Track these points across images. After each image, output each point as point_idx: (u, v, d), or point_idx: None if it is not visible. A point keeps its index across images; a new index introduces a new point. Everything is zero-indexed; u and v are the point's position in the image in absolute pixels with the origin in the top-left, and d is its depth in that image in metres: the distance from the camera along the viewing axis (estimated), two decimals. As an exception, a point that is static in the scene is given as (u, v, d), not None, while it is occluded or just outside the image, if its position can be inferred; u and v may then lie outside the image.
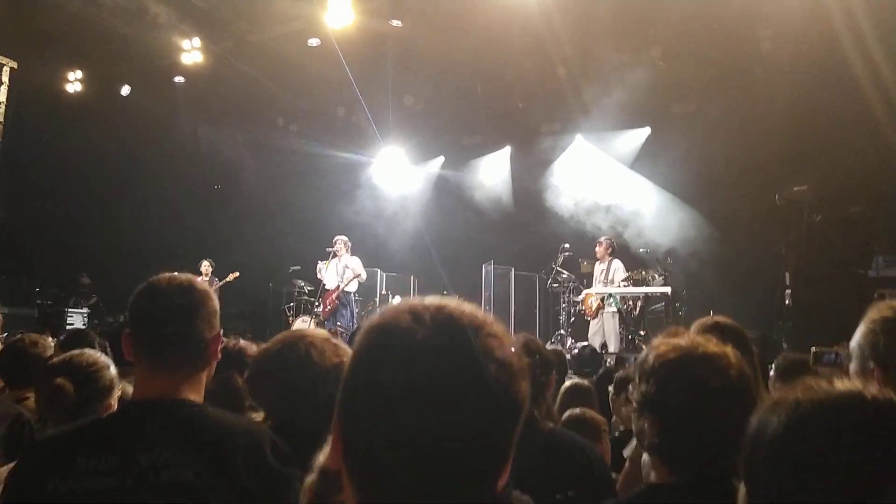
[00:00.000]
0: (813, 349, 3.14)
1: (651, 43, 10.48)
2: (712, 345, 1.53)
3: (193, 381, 1.67)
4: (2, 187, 12.29)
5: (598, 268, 9.80)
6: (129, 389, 2.29)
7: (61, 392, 2.08)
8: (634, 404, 1.59)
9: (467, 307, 0.88)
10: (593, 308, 9.69)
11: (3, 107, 12.22)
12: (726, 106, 10.30)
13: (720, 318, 2.60)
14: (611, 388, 3.37)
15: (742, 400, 1.47)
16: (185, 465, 1.50)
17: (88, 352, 2.25)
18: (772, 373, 3.73)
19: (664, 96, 11.16)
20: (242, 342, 2.85)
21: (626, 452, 2.62)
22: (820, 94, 9.07)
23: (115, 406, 2.21)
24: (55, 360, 2.25)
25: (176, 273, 1.74)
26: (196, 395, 1.67)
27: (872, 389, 0.97)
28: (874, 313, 1.81)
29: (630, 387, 3.22)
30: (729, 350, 1.52)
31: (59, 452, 1.54)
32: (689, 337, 1.56)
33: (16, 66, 12.16)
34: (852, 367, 1.86)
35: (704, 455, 1.47)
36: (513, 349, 0.86)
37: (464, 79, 12.11)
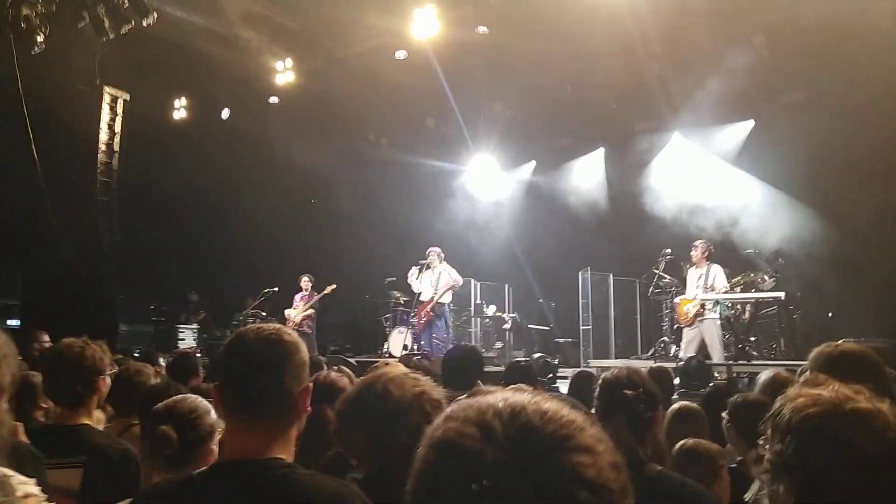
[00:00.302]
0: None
1: (752, 28, 9.84)
2: (864, 399, 1.29)
3: (283, 437, 1.61)
4: (119, 211, 13.11)
5: (695, 273, 9.21)
6: (226, 426, 2.31)
7: (165, 441, 2.11)
8: (766, 463, 1.38)
9: (549, 408, 0.71)
10: (690, 315, 9.11)
11: (118, 136, 13.08)
12: (839, 93, 9.55)
13: (848, 346, 2.28)
14: (725, 415, 3.06)
15: None
16: None
17: (190, 397, 2.30)
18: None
19: (768, 86, 10.48)
20: (333, 374, 2.81)
21: (748, 496, 2.36)
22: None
23: (217, 450, 2.21)
24: (159, 406, 2.28)
25: (264, 325, 1.68)
26: (286, 453, 1.61)
27: None
28: None
29: (735, 411, 2.95)
30: (886, 407, 1.28)
31: None
32: (835, 388, 1.32)
33: (128, 98, 12.98)
34: None
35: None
36: (611, 461, 0.69)
37: (552, 81, 11.84)
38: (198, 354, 11.66)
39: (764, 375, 3.52)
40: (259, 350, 1.60)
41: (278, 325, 1.71)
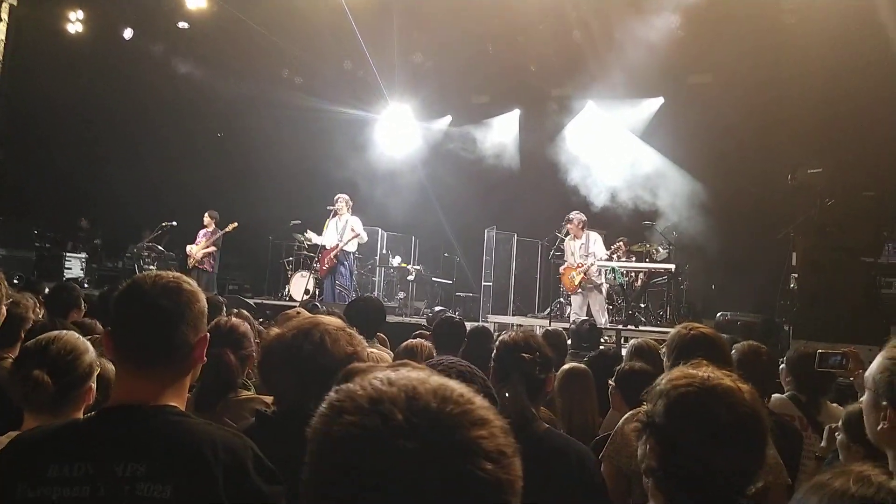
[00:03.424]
0: (819, 350, 3.08)
1: (670, 10, 10.15)
2: (729, 380, 1.45)
3: (176, 386, 1.58)
4: (1, 128, 12.09)
5: (575, 243, 9.49)
6: (108, 366, 2.22)
7: (39, 387, 1.99)
8: (637, 421, 1.52)
9: (438, 386, 0.74)
10: (576, 283, 9.42)
11: (2, 45, 11.94)
12: (744, 79, 10.07)
13: (702, 330, 2.54)
14: (611, 382, 3.25)
15: (749, 436, 1.41)
16: (163, 479, 1.42)
17: (65, 336, 2.14)
18: (782, 365, 3.65)
19: (680, 65, 10.89)
20: (234, 320, 2.78)
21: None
22: (843, 74, 8.84)
23: (94, 389, 2.12)
24: (30, 345, 2.13)
25: (162, 272, 1.63)
26: (179, 401, 1.58)
27: None
28: (894, 349, 1.71)
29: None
30: (745, 387, 1.44)
31: (31, 457, 1.45)
32: (708, 370, 1.47)
33: (15, 3, 11.83)
34: (865, 399, 1.79)
35: (702, 487, 1.41)
36: (501, 426, 0.74)
37: (475, 37, 11.78)
38: (85, 285, 11.15)
39: (631, 343, 3.83)
40: (156, 298, 1.55)
41: (177, 273, 1.66)
